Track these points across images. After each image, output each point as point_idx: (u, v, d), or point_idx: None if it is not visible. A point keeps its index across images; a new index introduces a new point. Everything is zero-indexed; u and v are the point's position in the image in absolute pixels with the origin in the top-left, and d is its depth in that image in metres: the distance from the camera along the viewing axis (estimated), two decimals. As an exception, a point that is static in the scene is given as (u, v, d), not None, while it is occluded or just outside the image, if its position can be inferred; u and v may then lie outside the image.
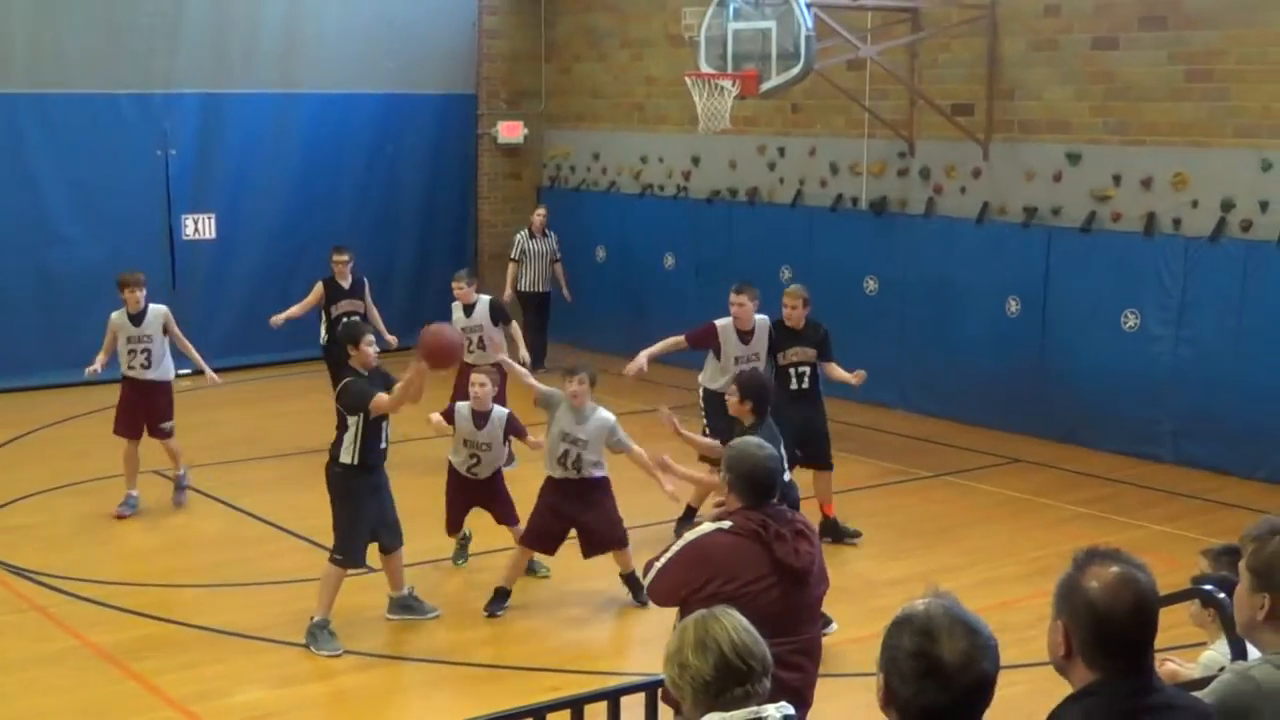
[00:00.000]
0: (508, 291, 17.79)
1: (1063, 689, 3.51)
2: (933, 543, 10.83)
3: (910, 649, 3.16)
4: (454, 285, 13.57)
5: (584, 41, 20.17)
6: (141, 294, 12.18)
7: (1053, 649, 3.49)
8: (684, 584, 5.49)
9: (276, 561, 10.88)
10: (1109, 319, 14.11)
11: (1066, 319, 14.51)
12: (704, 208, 18.39)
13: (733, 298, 11.53)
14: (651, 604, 6.34)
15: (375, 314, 14.17)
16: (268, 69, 18.49)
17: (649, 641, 9.47)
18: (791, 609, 5.47)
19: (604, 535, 9.91)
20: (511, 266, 18.06)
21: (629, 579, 9.89)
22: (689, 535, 5.62)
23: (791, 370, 11.39)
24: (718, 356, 11.53)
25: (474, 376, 10.32)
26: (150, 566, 10.99)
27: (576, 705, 5.85)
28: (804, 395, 11.41)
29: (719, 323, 11.51)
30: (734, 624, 3.70)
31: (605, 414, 9.91)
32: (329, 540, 9.50)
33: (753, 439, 5.89)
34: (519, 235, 18.21)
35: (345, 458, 9.19)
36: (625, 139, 19.58)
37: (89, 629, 9.53)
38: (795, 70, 13.86)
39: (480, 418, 10.17)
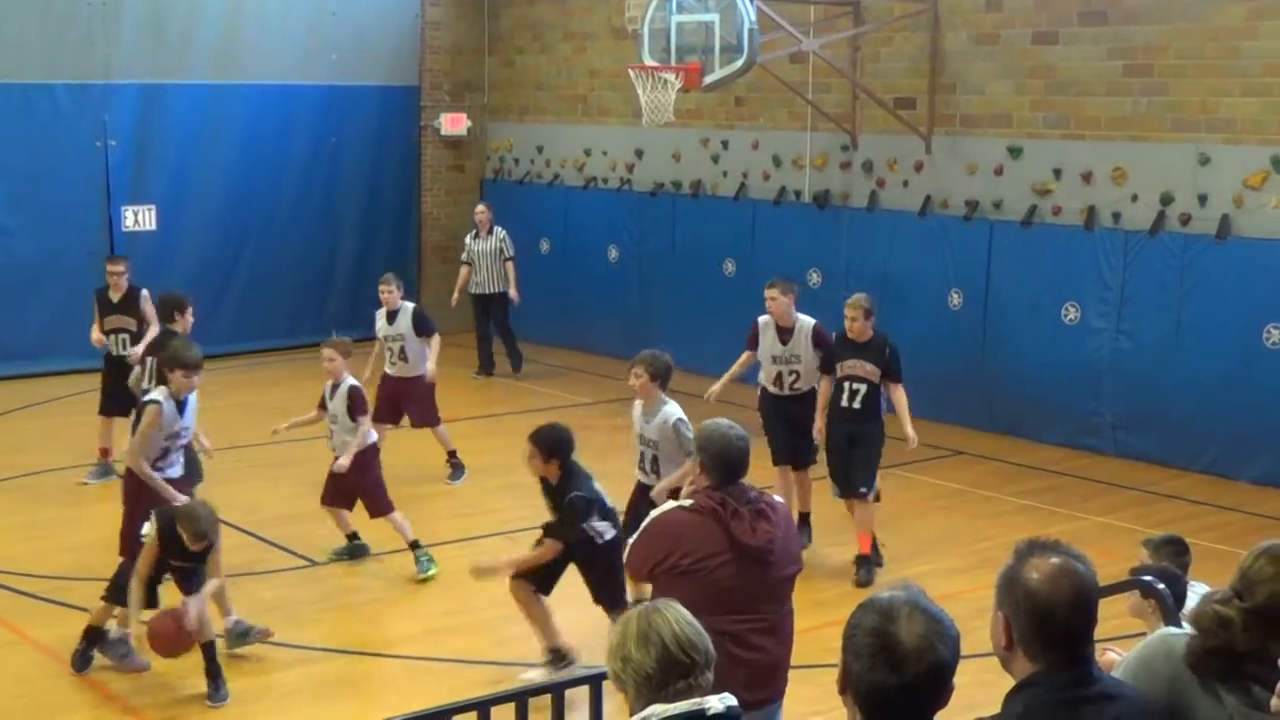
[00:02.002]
0: (455, 296, 17.44)
1: (1004, 679, 3.53)
2: (881, 535, 10.86)
3: (869, 627, 3.20)
4: (381, 288, 12.93)
5: (527, 34, 20.12)
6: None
7: (995, 640, 3.51)
8: (649, 558, 5.67)
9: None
10: (1050, 312, 14.22)
11: (1008, 312, 14.62)
12: (647, 200, 18.39)
13: (766, 292, 10.95)
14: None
15: (152, 331, 12.46)
16: (209, 59, 18.33)
17: (596, 634, 9.46)
18: (749, 587, 5.57)
19: None
20: (463, 270, 17.37)
21: None
22: (654, 513, 5.79)
23: (845, 385, 10.51)
24: (757, 353, 11.08)
25: (323, 352, 10.50)
26: (88, 561, 10.86)
27: (520, 698, 5.85)
28: (858, 415, 10.45)
29: (761, 319, 11.00)
30: (676, 616, 3.70)
31: (669, 408, 8.98)
32: (270, 533, 9.42)
33: (723, 420, 5.93)
34: (466, 236, 17.56)
35: None
36: (569, 131, 19.55)
37: (28, 624, 9.43)
38: (738, 64, 13.87)
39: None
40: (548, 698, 6.07)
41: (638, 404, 9.12)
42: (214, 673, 8.38)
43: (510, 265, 17.24)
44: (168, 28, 18.08)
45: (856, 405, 10.47)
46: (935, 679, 3.18)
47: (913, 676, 3.15)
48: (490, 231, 17.27)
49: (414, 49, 20.17)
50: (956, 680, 3.23)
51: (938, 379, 15.09)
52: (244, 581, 10.00)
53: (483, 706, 5.76)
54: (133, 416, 9.36)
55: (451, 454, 13.12)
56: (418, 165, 20.46)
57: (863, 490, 10.52)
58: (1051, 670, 3.43)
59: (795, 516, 10.59)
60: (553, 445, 8.28)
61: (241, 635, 9.04)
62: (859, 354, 10.49)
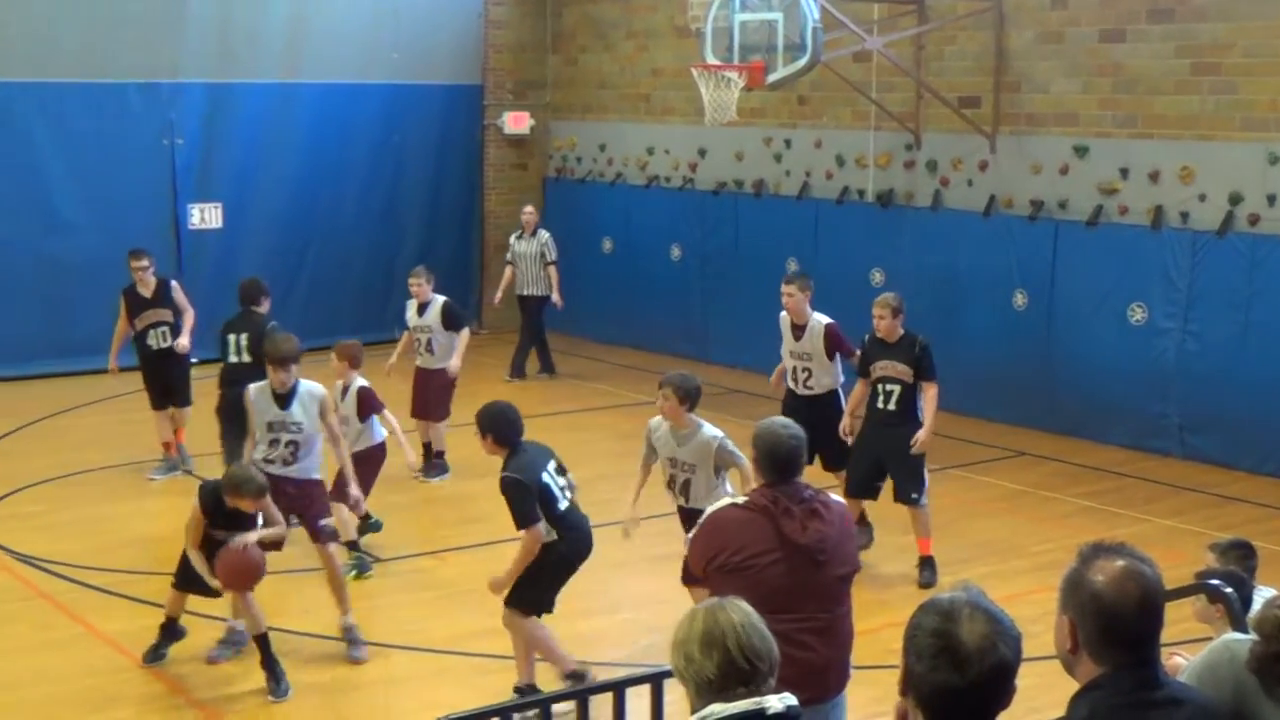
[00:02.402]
0: (498, 295, 17.53)
1: (1068, 683, 3.51)
2: (938, 536, 10.79)
3: (930, 628, 3.19)
4: (411, 281, 13.06)
5: (590, 32, 20.16)
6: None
7: (1059, 643, 3.49)
8: (703, 554, 5.69)
9: (283, 551, 10.85)
10: (1115, 312, 14.10)
11: (1073, 312, 14.50)
12: (710, 199, 18.38)
13: (782, 287, 10.87)
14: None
15: (189, 319, 13.04)
16: (274, 59, 18.50)
17: (655, 631, 9.47)
18: (800, 586, 5.55)
19: None
20: (507, 270, 17.37)
21: None
22: (709, 509, 5.81)
23: (879, 387, 10.32)
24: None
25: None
26: (156, 555, 10.98)
27: (581, 696, 5.86)
28: (893, 418, 10.25)
29: (781, 315, 10.96)
30: (743, 620, 3.66)
31: (709, 432, 8.50)
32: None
33: (777, 418, 5.96)
34: (511, 237, 17.58)
35: None
36: (631, 130, 19.57)
37: (96, 617, 9.54)
38: (802, 62, 13.84)
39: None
40: (609, 695, 6.08)
41: (663, 425, 8.60)
42: (270, 665, 8.45)
43: (553, 269, 17.13)
44: (234, 28, 18.26)
45: (892, 406, 10.29)
46: (998, 679, 3.16)
47: (975, 677, 3.14)
48: (534, 233, 17.19)
49: (477, 48, 20.25)
50: (1019, 683, 3.22)
51: (1001, 379, 15.02)
52: (309, 578, 10.07)
53: (545, 704, 5.78)
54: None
55: (439, 454, 13.07)
56: (480, 164, 20.55)
57: (914, 496, 10.35)
58: (1117, 673, 3.40)
59: None
60: (486, 423, 7.96)
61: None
62: (890, 354, 10.32)
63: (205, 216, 18.25)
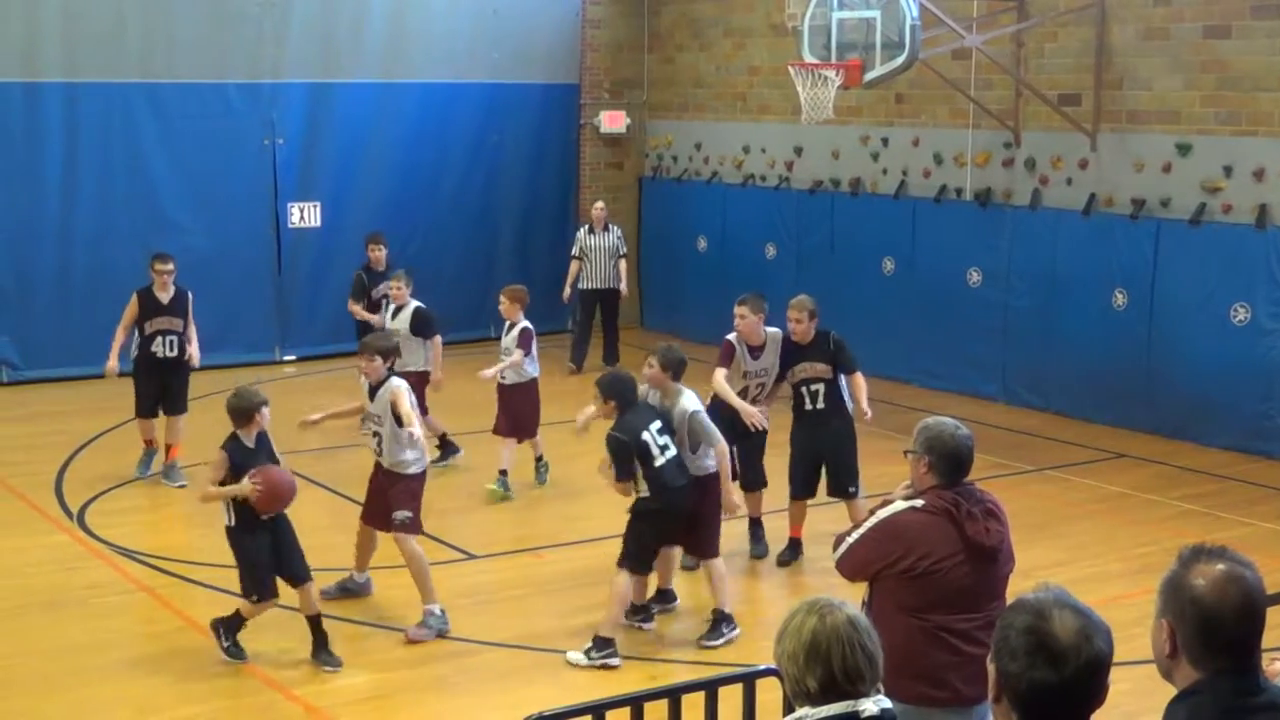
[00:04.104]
0: (566, 290, 17.76)
1: (1165, 688, 3.46)
2: (1034, 538, 10.69)
3: (1022, 626, 3.18)
4: (392, 285, 13.00)
5: (687, 31, 20.16)
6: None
7: (1157, 647, 3.44)
8: (876, 560, 5.64)
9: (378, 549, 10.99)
10: (1218, 312, 13.86)
11: (1175, 312, 14.28)
12: (806, 198, 18.31)
13: (735, 309, 10.64)
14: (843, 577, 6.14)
15: (193, 332, 12.88)
16: (374, 58, 18.69)
17: (746, 631, 9.45)
18: (979, 585, 5.56)
19: (698, 541, 9.53)
20: (573, 264, 17.69)
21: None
22: (881, 513, 5.72)
23: (804, 389, 10.50)
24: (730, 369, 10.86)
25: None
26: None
27: (673, 695, 5.86)
28: (821, 415, 10.46)
29: (731, 336, 10.69)
30: (849, 637, 3.61)
31: (687, 398, 9.26)
32: (428, 526, 9.55)
33: (948, 419, 5.88)
34: (580, 231, 17.94)
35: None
36: (727, 129, 19.54)
37: (195, 611, 9.68)
38: (899, 60, 13.75)
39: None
40: (700, 694, 6.07)
41: (651, 393, 9.35)
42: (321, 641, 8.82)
43: (623, 263, 17.72)
44: (335, 28, 18.46)
45: (820, 405, 10.46)
46: (1093, 674, 3.15)
47: (1072, 672, 3.13)
48: (606, 228, 17.64)
49: (574, 47, 20.33)
50: (1117, 687, 3.18)
51: (1100, 380, 14.84)
52: (400, 574, 10.15)
53: (636, 702, 5.78)
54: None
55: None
56: (577, 163, 20.62)
57: (851, 490, 10.49)
58: (1216, 679, 3.35)
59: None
60: (610, 389, 9.09)
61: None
62: (806, 355, 10.47)
63: (305, 215, 18.47)
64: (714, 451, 9.24)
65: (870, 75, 14.02)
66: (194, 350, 12.74)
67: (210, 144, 17.69)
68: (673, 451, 9.02)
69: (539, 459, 12.98)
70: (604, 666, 8.81)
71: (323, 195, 18.53)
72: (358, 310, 14.42)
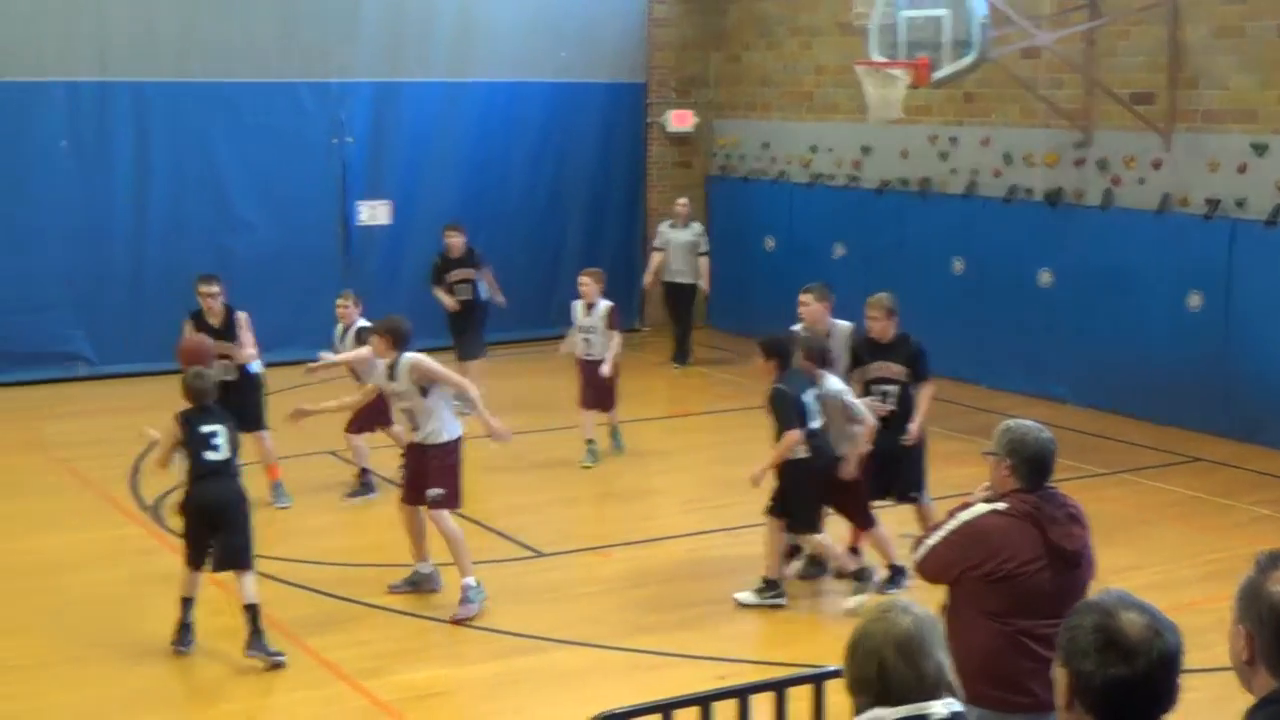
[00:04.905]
0: (649, 279, 18.23)
1: (1241, 696, 3.41)
2: (1105, 542, 10.51)
3: (1091, 624, 3.19)
4: (339, 304, 12.75)
5: (754, 30, 20.12)
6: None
7: (1234, 655, 3.40)
8: (958, 562, 5.60)
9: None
10: (1294, 314, 13.68)
11: (1251, 314, 14.09)
12: (874, 198, 18.23)
13: (799, 297, 10.70)
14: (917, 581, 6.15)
15: (245, 352, 12.08)
16: (441, 57, 18.78)
17: (816, 631, 9.44)
18: (1061, 591, 5.48)
19: (858, 511, 10.11)
20: (655, 256, 18.12)
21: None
22: (962, 516, 5.67)
23: (874, 388, 10.21)
24: None
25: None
26: (325, 545, 11.24)
27: (742, 695, 5.85)
28: (893, 418, 10.12)
29: (795, 327, 10.68)
30: (919, 642, 3.59)
31: (832, 381, 9.84)
32: (498, 523, 9.59)
33: (1030, 421, 5.82)
34: (662, 225, 18.26)
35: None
36: (795, 128, 19.49)
37: (265, 604, 9.75)
38: (969, 59, 13.66)
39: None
40: (769, 695, 6.06)
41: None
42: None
43: (704, 260, 17.85)
44: (403, 27, 18.57)
45: (890, 406, 10.16)
46: (1166, 669, 3.16)
47: (1145, 666, 3.14)
48: (687, 224, 17.89)
49: (641, 46, 20.34)
50: (1192, 695, 3.15)
51: (1174, 382, 14.68)
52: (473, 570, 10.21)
53: (704, 702, 5.78)
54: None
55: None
56: (643, 162, 20.63)
57: (913, 495, 10.26)
58: (1295, 687, 3.31)
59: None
60: (773, 349, 9.60)
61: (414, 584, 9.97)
62: (884, 355, 10.22)
63: (373, 213, 18.59)
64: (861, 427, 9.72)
65: (939, 74, 13.94)
66: (242, 354, 11.94)
67: (279, 143, 17.86)
68: (820, 419, 9.60)
69: (614, 429, 13.67)
70: (773, 605, 9.66)
71: (391, 193, 18.66)
72: (438, 294, 15.21)
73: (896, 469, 10.23)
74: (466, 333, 15.43)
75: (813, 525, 9.75)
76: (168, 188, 17.39)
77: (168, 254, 17.17)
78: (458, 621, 9.46)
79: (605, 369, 13.23)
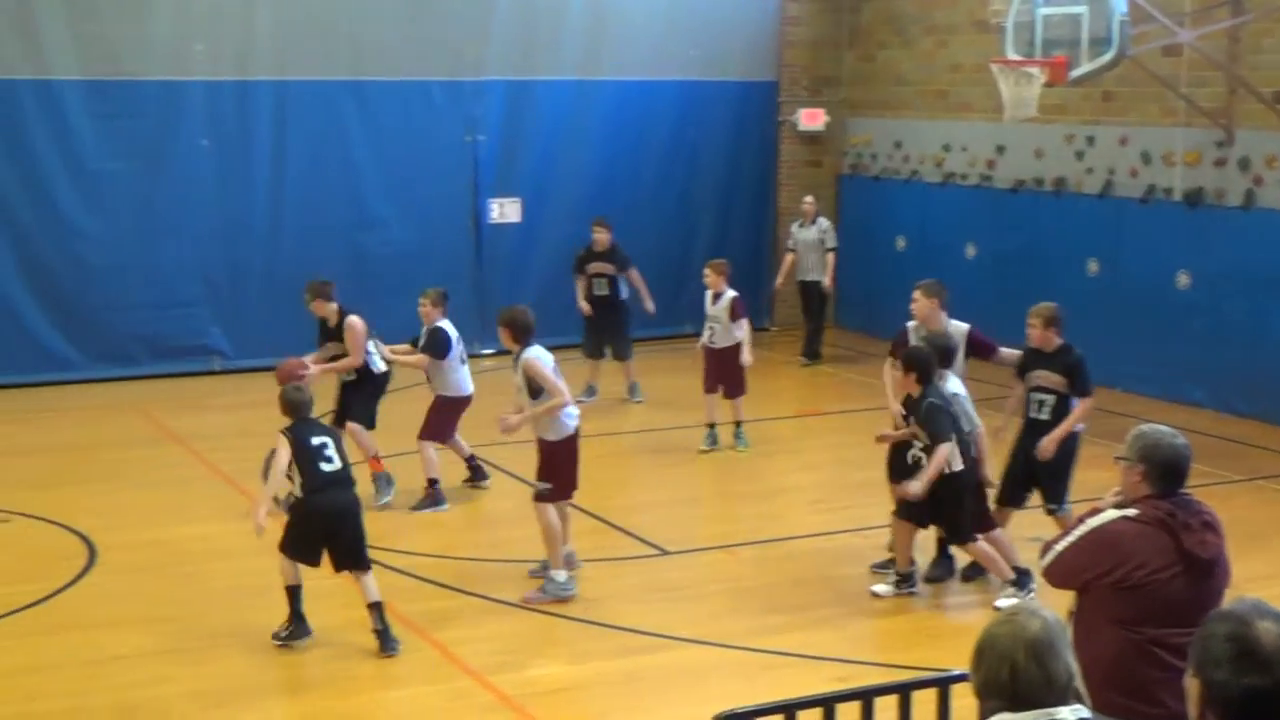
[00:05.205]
0: (780, 280, 18.44)
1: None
2: (1240, 550, 10.27)
3: (1224, 633, 3.16)
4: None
5: (888, 28, 19.95)
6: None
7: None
8: (1087, 568, 5.51)
9: (573, 542, 11.10)
10: None
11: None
12: (1007, 198, 18.00)
13: (913, 294, 10.78)
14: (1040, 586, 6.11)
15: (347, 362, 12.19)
16: (573, 56, 18.88)
17: (942, 634, 9.35)
18: (1195, 599, 5.36)
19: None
20: (788, 257, 18.27)
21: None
22: (1092, 521, 5.59)
23: (1032, 396, 10.20)
24: None
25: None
26: (452, 540, 11.34)
27: (866, 697, 5.81)
28: (1046, 427, 10.07)
29: (909, 324, 10.75)
30: (1045, 648, 3.54)
31: (952, 383, 9.92)
32: (623, 520, 9.61)
33: (1164, 426, 5.72)
34: (793, 226, 18.38)
35: None
36: (928, 127, 19.30)
37: (394, 597, 9.87)
38: (1107, 56, 13.44)
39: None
40: (893, 698, 6.01)
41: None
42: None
43: (831, 256, 18.00)
44: (535, 26, 18.69)
45: (1045, 416, 10.09)
46: None
47: None
48: (814, 221, 18.02)
49: (773, 44, 20.27)
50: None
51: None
52: (599, 567, 10.25)
53: (828, 703, 5.74)
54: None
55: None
56: (774, 160, 20.55)
57: (1051, 508, 10.16)
58: None
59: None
60: (909, 361, 9.57)
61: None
62: (1044, 364, 10.14)
63: (504, 211, 18.74)
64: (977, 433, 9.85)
65: (1076, 72, 13.72)
66: (343, 363, 12.03)
67: (413, 140, 18.08)
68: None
69: (738, 424, 13.81)
70: (909, 594, 9.84)
71: (522, 191, 18.79)
72: (577, 287, 15.67)
73: (1043, 478, 10.16)
74: (610, 331, 15.69)
75: (969, 535, 9.77)
76: (303, 185, 17.68)
77: (302, 251, 17.45)
78: (527, 601, 9.79)
79: (745, 358, 13.50)
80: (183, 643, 9.18)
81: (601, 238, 15.66)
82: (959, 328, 10.55)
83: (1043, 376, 10.15)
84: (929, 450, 9.48)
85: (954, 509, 9.63)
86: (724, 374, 13.70)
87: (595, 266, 15.66)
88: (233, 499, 12.30)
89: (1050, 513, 10.19)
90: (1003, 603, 9.37)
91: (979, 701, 3.63)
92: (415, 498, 12.09)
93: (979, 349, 10.64)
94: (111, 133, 16.81)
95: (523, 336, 9.83)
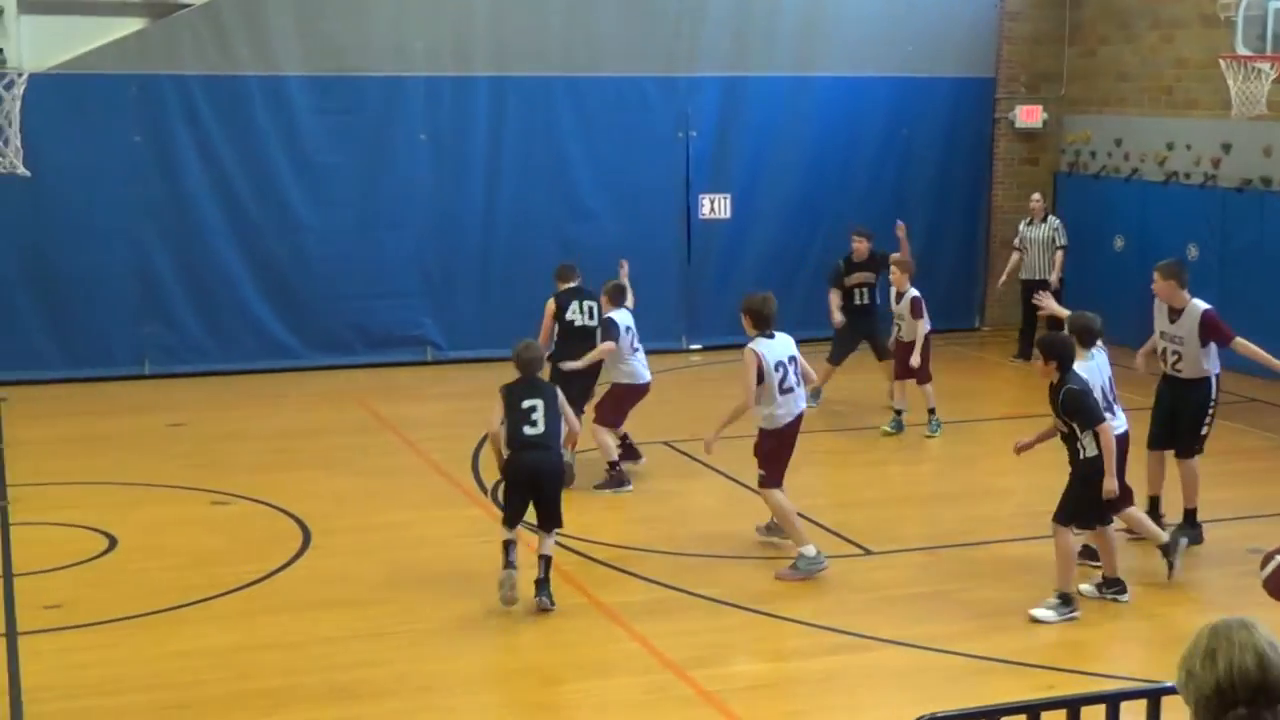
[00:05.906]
0: (1003, 279, 18.14)
1: None
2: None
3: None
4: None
5: (1111, 23, 19.46)
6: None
7: None
8: None
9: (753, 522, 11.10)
10: None
11: None
12: (1234, 197, 17.42)
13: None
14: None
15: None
16: (787, 52, 18.82)
17: (1151, 644, 9.10)
18: None
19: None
20: (1014, 256, 17.97)
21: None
22: None
23: (1165, 348, 10.93)
24: None
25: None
26: (656, 533, 11.38)
27: (1072, 706, 5.67)
28: (1176, 378, 10.86)
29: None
30: (1246, 641, 3.44)
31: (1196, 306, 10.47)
32: (829, 519, 9.55)
33: None
34: (1020, 224, 18.10)
35: None
36: (1150, 124, 18.77)
37: (599, 589, 9.97)
38: (1343, 51, 12.94)
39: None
40: (1100, 708, 5.86)
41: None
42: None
43: (1060, 255, 17.62)
44: (750, 22, 18.67)
45: (1174, 369, 10.78)
46: None
47: None
48: (1044, 219, 17.74)
49: (991, 40, 19.93)
50: None
51: None
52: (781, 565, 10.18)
53: (1033, 710, 5.62)
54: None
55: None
56: (989, 158, 20.22)
57: (1182, 454, 10.79)
58: None
59: (1154, 505, 10.98)
60: (1047, 349, 9.38)
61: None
62: (1171, 318, 10.79)
63: (715, 207, 18.77)
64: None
65: (1309, 68, 13.25)
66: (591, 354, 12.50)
67: (626, 136, 18.21)
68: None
69: (931, 410, 14.27)
70: (1069, 619, 9.34)
71: (733, 187, 18.79)
72: (831, 298, 15.39)
73: (1180, 425, 10.82)
74: (871, 336, 15.53)
75: (1104, 517, 9.61)
76: (517, 179, 17.94)
77: (514, 243, 17.75)
78: (780, 578, 10.10)
79: (914, 360, 14.06)
80: (392, 626, 9.37)
81: (861, 247, 15.37)
82: (1197, 306, 10.78)
83: (1168, 329, 10.80)
84: (1068, 438, 9.41)
85: (1085, 494, 9.38)
86: (910, 363, 14.21)
87: (857, 277, 15.36)
88: (443, 488, 12.54)
89: (1182, 458, 10.81)
90: (1040, 613, 9.35)
91: (1193, 713, 3.51)
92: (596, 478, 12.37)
93: (1213, 333, 10.75)
94: (334, 128, 17.29)
95: (759, 324, 10.32)
